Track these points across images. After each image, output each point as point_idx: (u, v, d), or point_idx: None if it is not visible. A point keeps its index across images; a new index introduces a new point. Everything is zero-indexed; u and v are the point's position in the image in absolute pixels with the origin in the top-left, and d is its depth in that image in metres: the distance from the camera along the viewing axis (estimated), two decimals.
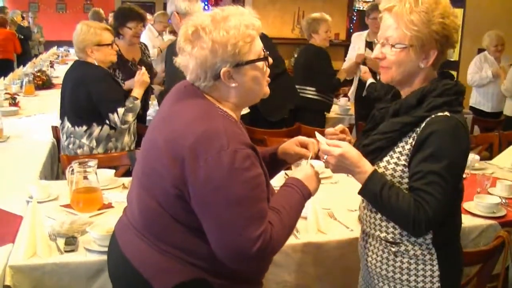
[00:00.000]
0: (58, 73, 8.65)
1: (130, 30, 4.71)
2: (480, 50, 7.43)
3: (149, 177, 1.78)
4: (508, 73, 6.12)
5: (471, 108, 6.70)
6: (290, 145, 2.11)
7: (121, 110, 3.67)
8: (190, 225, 1.72)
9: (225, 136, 1.64)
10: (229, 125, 1.71)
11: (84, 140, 3.73)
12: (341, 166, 1.85)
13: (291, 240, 2.47)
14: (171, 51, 3.91)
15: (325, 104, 5.61)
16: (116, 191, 3.02)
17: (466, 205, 2.96)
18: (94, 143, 3.74)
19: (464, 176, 3.39)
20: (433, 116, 1.82)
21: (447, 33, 1.83)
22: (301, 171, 1.96)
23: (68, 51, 13.17)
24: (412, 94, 1.89)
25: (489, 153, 4.84)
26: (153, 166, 1.76)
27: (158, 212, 1.74)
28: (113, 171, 3.21)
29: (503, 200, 3.10)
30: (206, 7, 11.52)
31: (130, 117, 3.74)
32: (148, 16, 6.77)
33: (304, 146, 2.07)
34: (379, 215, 1.96)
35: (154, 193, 1.75)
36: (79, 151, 3.74)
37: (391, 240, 1.95)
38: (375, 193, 1.81)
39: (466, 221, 2.80)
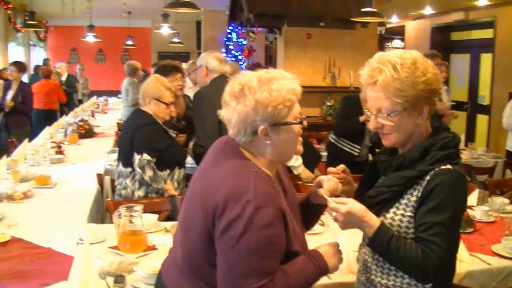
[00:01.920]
0: (99, 122, 9.01)
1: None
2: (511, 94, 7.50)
3: (188, 223, 1.95)
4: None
5: (508, 152, 6.68)
6: (314, 189, 2.17)
7: (146, 156, 3.83)
8: None
9: (253, 193, 1.77)
10: (260, 182, 1.84)
11: (128, 181, 3.97)
12: (349, 222, 1.91)
13: (324, 280, 2.59)
14: (197, 101, 4.18)
15: (346, 153, 5.53)
16: (159, 235, 3.20)
17: (494, 247, 3.06)
18: (136, 186, 3.94)
19: (493, 219, 3.53)
20: (436, 169, 1.92)
21: (432, 87, 1.94)
22: (325, 247, 2.02)
23: (107, 100, 13.55)
24: (415, 149, 1.99)
25: None
26: (191, 213, 1.93)
27: (195, 253, 1.91)
28: (156, 216, 3.38)
29: None
30: (240, 57, 11.83)
31: (148, 173, 3.84)
32: (184, 65, 6.98)
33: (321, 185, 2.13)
34: (380, 262, 2.04)
35: (192, 237, 1.91)
36: (123, 191, 3.97)
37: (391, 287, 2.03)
38: (383, 245, 1.90)
39: (494, 262, 2.91)
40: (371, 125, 2.04)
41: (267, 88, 1.86)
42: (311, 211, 2.23)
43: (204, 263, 1.89)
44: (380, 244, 1.91)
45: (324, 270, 1.98)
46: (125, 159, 4.03)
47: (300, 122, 1.95)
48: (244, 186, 1.79)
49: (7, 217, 3.44)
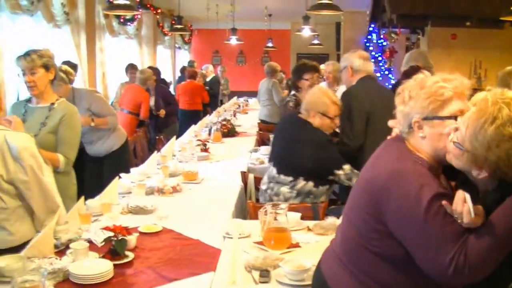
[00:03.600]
0: (240, 121, 9.27)
1: (307, 81, 5.21)
2: None
3: (353, 210, 2.09)
4: None
5: None
6: None
7: (346, 167, 3.80)
8: (379, 253, 1.95)
9: (412, 175, 1.87)
10: (418, 167, 1.92)
11: (284, 189, 3.90)
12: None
13: None
14: (345, 101, 4.18)
15: None
16: (302, 233, 3.24)
17: None
18: (293, 194, 3.88)
19: None
20: None
21: None
22: None
23: (247, 101, 13.90)
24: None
25: None
26: (356, 200, 2.07)
27: (355, 240, 2.02)
28: (299, 214, 3.40)
29: None
30: (380, 58, 11.68)
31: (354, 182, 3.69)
32: (322, 66, 7.05)
33: None
34: None
35: (355, 224, 2.04)
36: (275, 198, 3.92)
37: None
38: None
39: None
40: None
41: (421, 84, 2.00)
42: None
43: (361, 249, 2.00)
44: None
45: None
46: (283, 167, 3.98)
47: (455, 118, 1.94)
48: (403, 169, 1.90)
49: (158, 209, 3.65)
